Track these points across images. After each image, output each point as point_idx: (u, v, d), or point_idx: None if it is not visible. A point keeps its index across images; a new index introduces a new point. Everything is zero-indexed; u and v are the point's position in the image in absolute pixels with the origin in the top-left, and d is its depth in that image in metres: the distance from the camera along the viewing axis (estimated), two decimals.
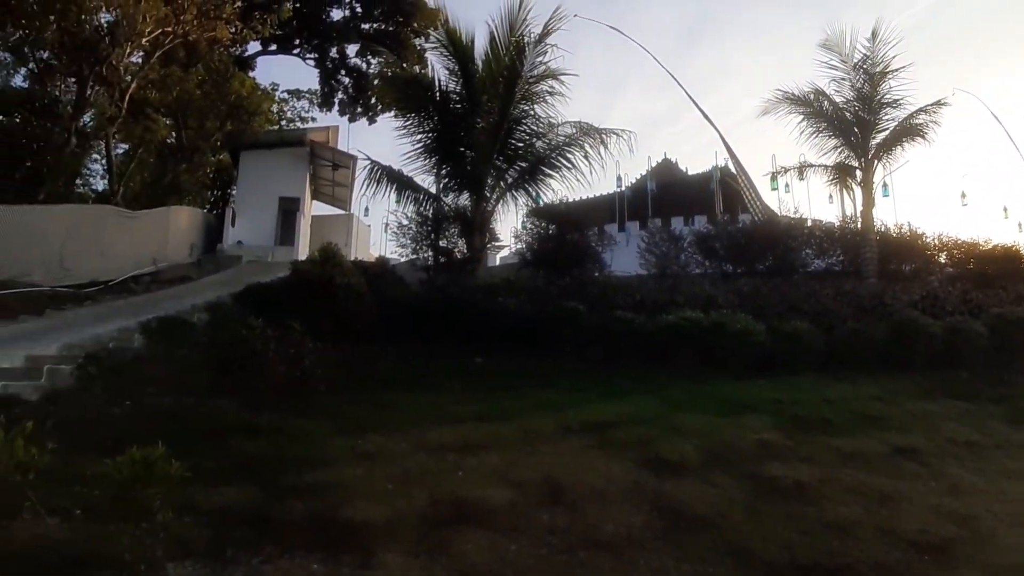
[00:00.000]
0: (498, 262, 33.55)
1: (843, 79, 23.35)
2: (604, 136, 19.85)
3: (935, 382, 13.43)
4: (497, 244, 25.32)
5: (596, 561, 6.31)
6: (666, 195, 39.89)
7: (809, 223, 25.42)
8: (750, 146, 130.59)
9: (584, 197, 24.52)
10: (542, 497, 7.42)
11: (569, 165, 19.88)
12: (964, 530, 7.17)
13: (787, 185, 31.73)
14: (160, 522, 5.32)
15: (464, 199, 20.30)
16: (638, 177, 43.89)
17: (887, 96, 22.93)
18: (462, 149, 20.07)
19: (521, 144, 20.36)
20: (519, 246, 25.60)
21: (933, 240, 23.75)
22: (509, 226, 74.37)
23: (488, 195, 19.80)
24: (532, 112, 20.24)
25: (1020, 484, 8.72)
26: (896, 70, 22.64)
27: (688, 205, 36.60)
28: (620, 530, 6.82)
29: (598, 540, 6.64)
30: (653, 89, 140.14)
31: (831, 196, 29.68)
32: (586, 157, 19.78)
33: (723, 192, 36.85)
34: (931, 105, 22.78)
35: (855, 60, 23.02)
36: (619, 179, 40.41)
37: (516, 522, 6.87)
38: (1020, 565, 6.62)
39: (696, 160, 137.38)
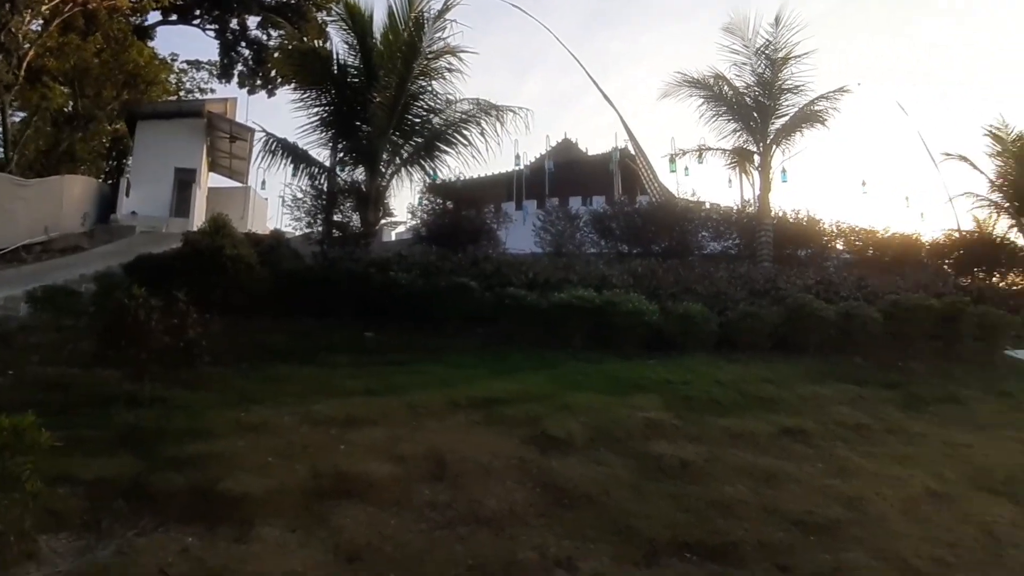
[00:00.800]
0: (393, 238, 33.62)
1: (744, 64, 23.55)
2: (502, 114, 19.87)
3: (828, 366, 13.61)
4: (392, 219, 25.40)
5: (476, 536, 6.38)
6: (566, 175, 39.87)
7: (707, 206, 25.92)
8: (653, 129, 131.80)
9: (482, 175, 24.74)
10: (425, 472, 7.45)
11: (465, 142, 19.87)
12: (852, 512, 7.38)
13: (687, 168, 32.62)
14: (30, 492, 5.27)
15: (359, 173, 20.25)
16: (538, 156, 44.09)
17: (788, 82, 23.12)
18: (358, 123, 19.99)
19: (418, 120, 20.34)
20: (415, 222, 25.72)
21: (830, 226, 24.66)
22: (406, 202, 74.24)
23: (383, 170, 19.78)
24: (430, 88, 20.19)
25: (911, 469, 8.86)
26: (799, 56, 22.91)
27: (587, 185, 36.64)
28: (502, 506, 6.88)
29: (480, 516, 6.70)
30: (560, 70, 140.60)
31: (730, 180, 30.40)
32: (483, 134, 19.75)
33: (623, 173, 37.00)
34: (832, 92, 23.02)
35: (757, 45, 23.13)
36: (517, 157, 40.44)
37: (398, 497, 6.91)
38: (908, 548, 6.72)
39: (598, 141, 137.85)
